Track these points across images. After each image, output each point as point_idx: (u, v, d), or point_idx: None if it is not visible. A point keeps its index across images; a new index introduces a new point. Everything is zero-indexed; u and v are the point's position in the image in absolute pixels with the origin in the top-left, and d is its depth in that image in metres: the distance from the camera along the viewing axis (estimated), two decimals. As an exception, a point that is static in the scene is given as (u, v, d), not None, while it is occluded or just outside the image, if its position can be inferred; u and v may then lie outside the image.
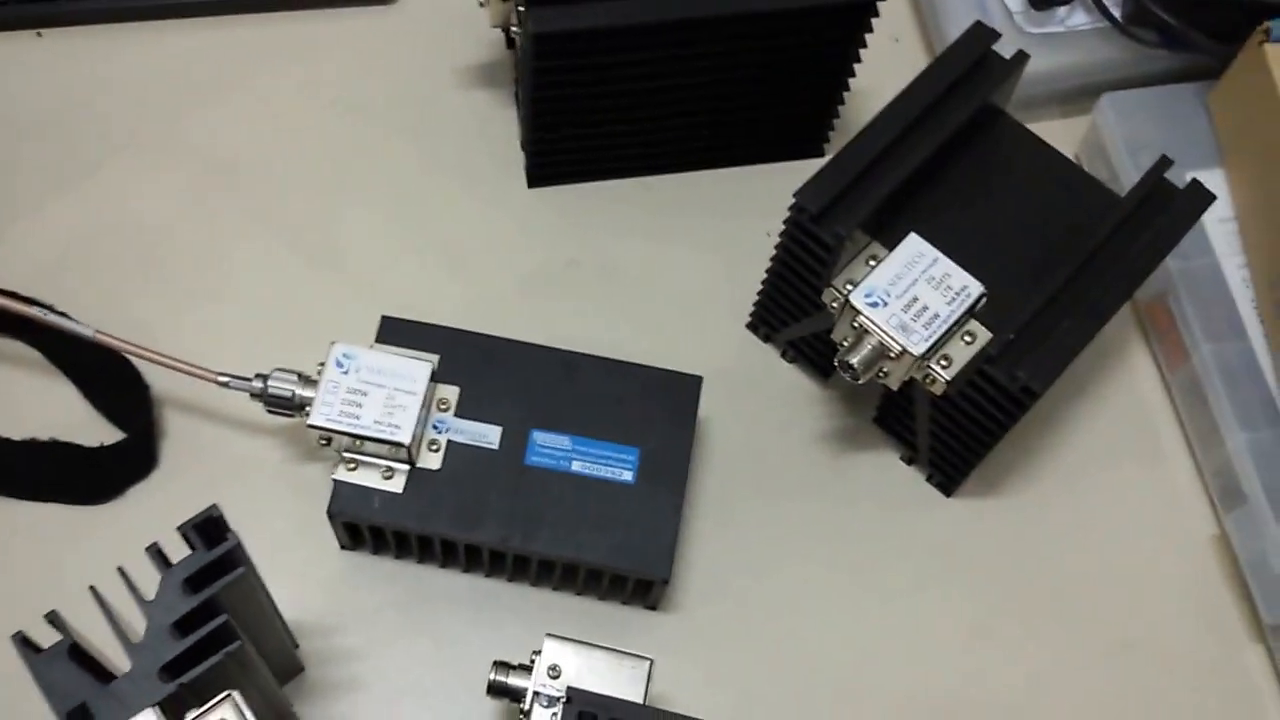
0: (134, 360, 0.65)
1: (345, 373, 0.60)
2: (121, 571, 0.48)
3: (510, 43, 0.73)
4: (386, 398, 0.60)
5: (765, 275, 0.66)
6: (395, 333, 0.64)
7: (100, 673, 0.47)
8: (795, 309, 0.65)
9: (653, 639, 0.63)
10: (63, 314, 0.63)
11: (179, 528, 0.48)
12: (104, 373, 0.65)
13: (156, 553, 0.48)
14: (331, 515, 0.60)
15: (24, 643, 0.47)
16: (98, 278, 0.69)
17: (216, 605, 0.48)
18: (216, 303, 0.70)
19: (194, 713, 0.45)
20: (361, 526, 0.61)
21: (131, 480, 0.65)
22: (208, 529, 0.49)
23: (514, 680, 0.56)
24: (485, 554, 0.62)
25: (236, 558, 0.49)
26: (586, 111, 0.69)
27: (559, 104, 0.67)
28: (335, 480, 0.60)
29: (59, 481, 0.64)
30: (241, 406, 0.63)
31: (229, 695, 0.45)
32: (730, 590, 0.65)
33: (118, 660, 0.47)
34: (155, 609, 0.47)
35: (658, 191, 0.75)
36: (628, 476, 0.62)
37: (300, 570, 0.63)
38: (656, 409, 0.63)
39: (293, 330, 0.68)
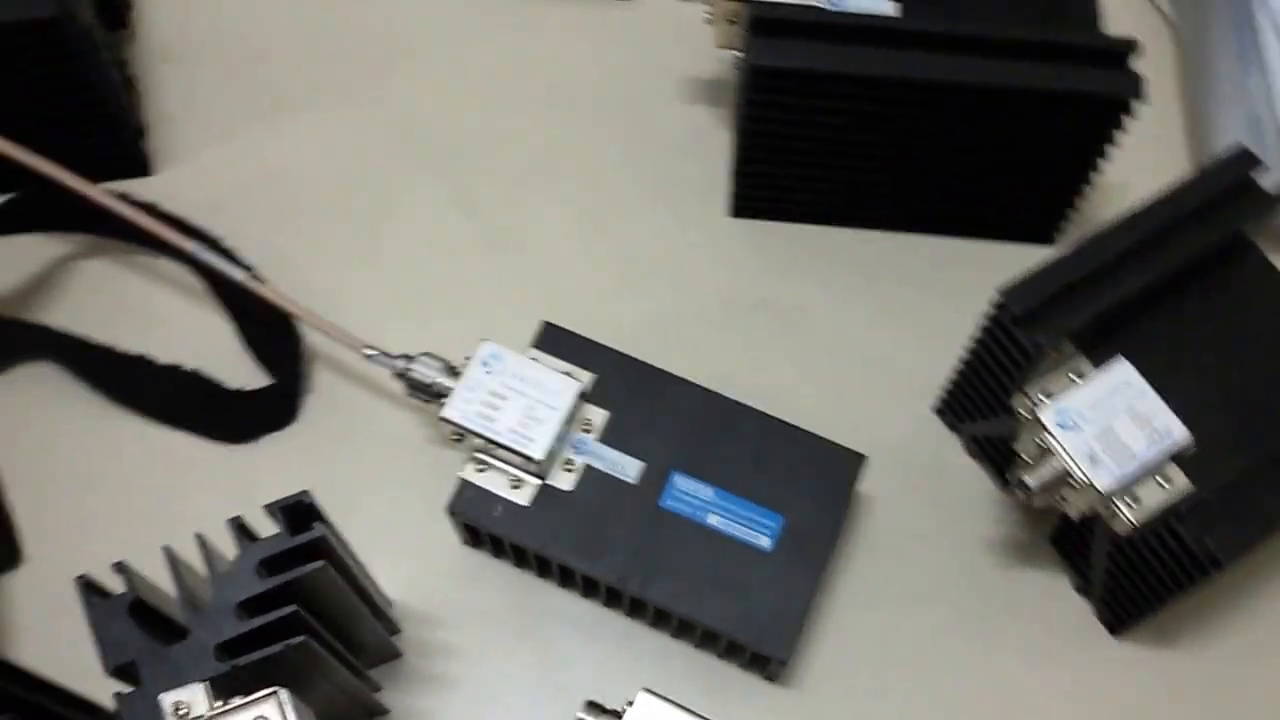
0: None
1: (489, 373, 0.58)
2: (200, 539, 0.46)
3: (735, 66, 0.70)
4: (527, 407, 0.57)
5: (960, 361, 0.61)
6: (555, 342, 0.61)
7: (162, 630, 0.45)
8: (984, 405, 0.60)
9: (761, 711, 0.59)
10: (226, 251, 0.62)
11: (266, 506, 0.47)
12: (260, 315, 0.64)
13: (239, 527, 0.47)
14: (452, 513, 0.58)
15: (88, 587, 0.46)
16: (271, 218, 0.69)
17: (291, 593, 0.45)
18: (380, 269, 0.68)
19: (239, 700, 0.43)
20: (480, 530, 0.59)
21: (267, 429, 0.64)
22: (297, 513, 0.47)
23: (594, 731, 0.53)
24: (603, 587, 0.58)
25: (321, 549, 0.46)
26: (798, 152, 0.65)
27: (770, 139, 0.64)
28: (461, 479, 0.58)
29: (194, 414, 0.64)
30: (389, 378, 0.62)
31: (275, 692, 0.42)
32: (855, 682, 0.60)
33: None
34: (225, 583, 0.46)
35: (865, 247, 0.70)
36: (765, 543, 0.57)
37: (418, 555, 0.61)
38: (811, 479, 0.59)
39: (451, 312, 0.66)
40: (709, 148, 0.72)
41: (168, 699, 0.43)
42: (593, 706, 0.53)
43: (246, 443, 0.64)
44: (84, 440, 0.63)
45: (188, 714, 0.43)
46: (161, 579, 0.47)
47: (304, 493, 0.47)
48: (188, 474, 0.63)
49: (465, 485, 0.58)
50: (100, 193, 0.60)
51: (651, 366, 0.61)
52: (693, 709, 0.52)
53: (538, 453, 0.56)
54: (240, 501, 0.58)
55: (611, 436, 0.59)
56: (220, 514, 0.56)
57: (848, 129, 0.62)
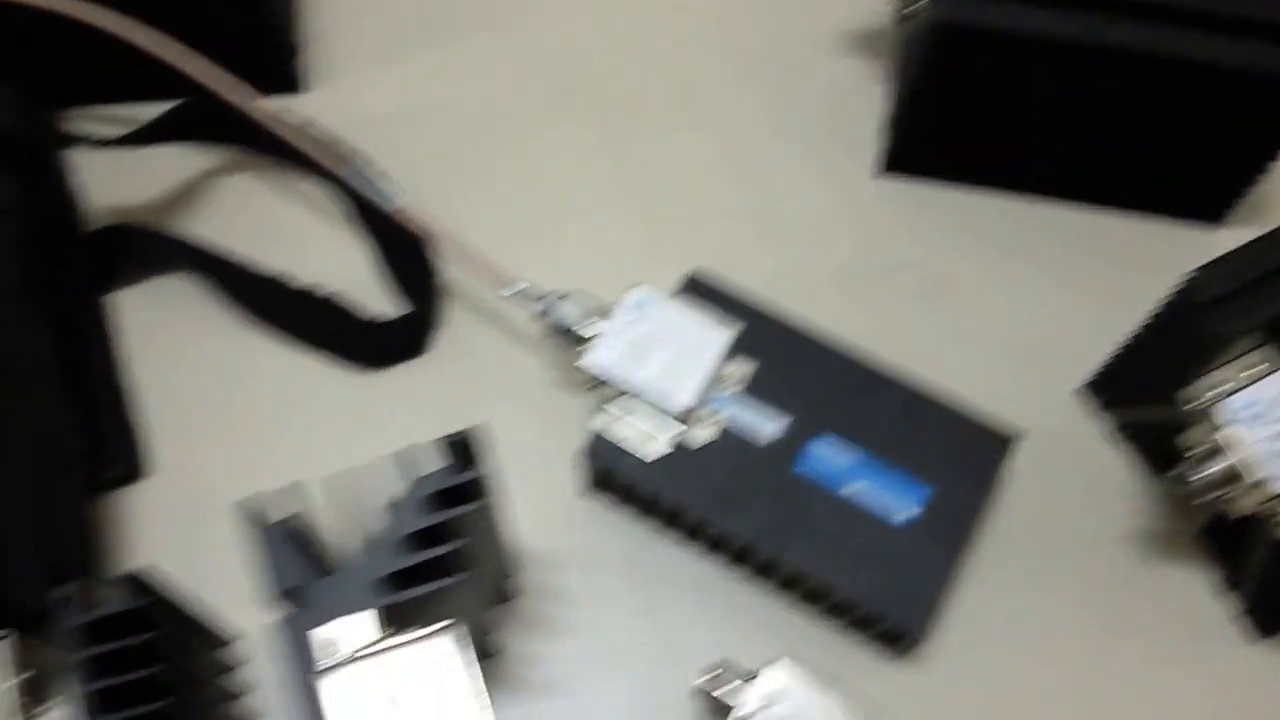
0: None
1: (637, 320, 0.56)
2: (358, 470, 0.45)
3: (903, 18, 0.67)
4: (672, 358, 0.56)
5: (1124, 342, 0.58)
6: (700, 292, 0.59)
7: (315, 560, 0.45)
8: (1146, 391, 0.57)
9: (884, 685, 0.57)
10: (375, 177, 0.61)
11: (438, 440, 0.45)
12: (401, 243, 0.63)
13: (409, 459, 0.46)
14: (587, 458, 0.57)
15: (251, 509, 0.45)
16: (413, 147, 0.67)
17: (453, 528, 0.45)
18: (517, 205, 0.66)
19: (417, 632, 0.42)
20: (612, 478, 0.57)
21: (398, 359, 0.63)
22: (465, 448, 0.46)
23: (723, 693, 0.52)
24: (732, 546, 0.57)
25: (486, 487, 0.45)
26: (971, 112, 0.62)
27: (942, 97, 0.61)
28: (595, 426, 0.56)
29: (327, 337, 0.63)
30: (523, 317, 0.61)
31: (452, 624, 0.42)
32: (983, 664, 0.58)
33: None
34: (395, 515, 0.45)
35: (1020, 214, 0.67)
36: (903, 517, 0.56)
37: (541, 498, 0.60)
38: (956, 456, 0.57)
39: (584, 255, 0.65)
40: (858, 101, 0.70)
41: (333, 627, 0.42)
42: (714, 674, 0.52)
43: (375, 371, 0.63)
44: (215, 355, 0.62)
45: (352, 643, 0.42)
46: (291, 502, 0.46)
47: (476, 427, 0.46)
48: (315, 397, 0.62)
49: (601, 432, 0.56)
50: (261, 108, 0.59)
51: (797, 326, 0.59)
52: (827, 684, 0.51)
53: (681, 405, 0.55)
54: (365, 429, 0.58)
55: (751, 394, 0.57)
56: (345, 439, 0.56)
57: (1030, 93, 0.59)
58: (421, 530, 0.45)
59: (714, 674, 0.52)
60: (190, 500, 0.59)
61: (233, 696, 0.51)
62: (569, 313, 0.57)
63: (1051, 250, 0.66)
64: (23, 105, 0.57)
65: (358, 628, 0.43)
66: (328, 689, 0.41)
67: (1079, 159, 0.64)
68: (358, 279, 0.64)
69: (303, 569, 0.44)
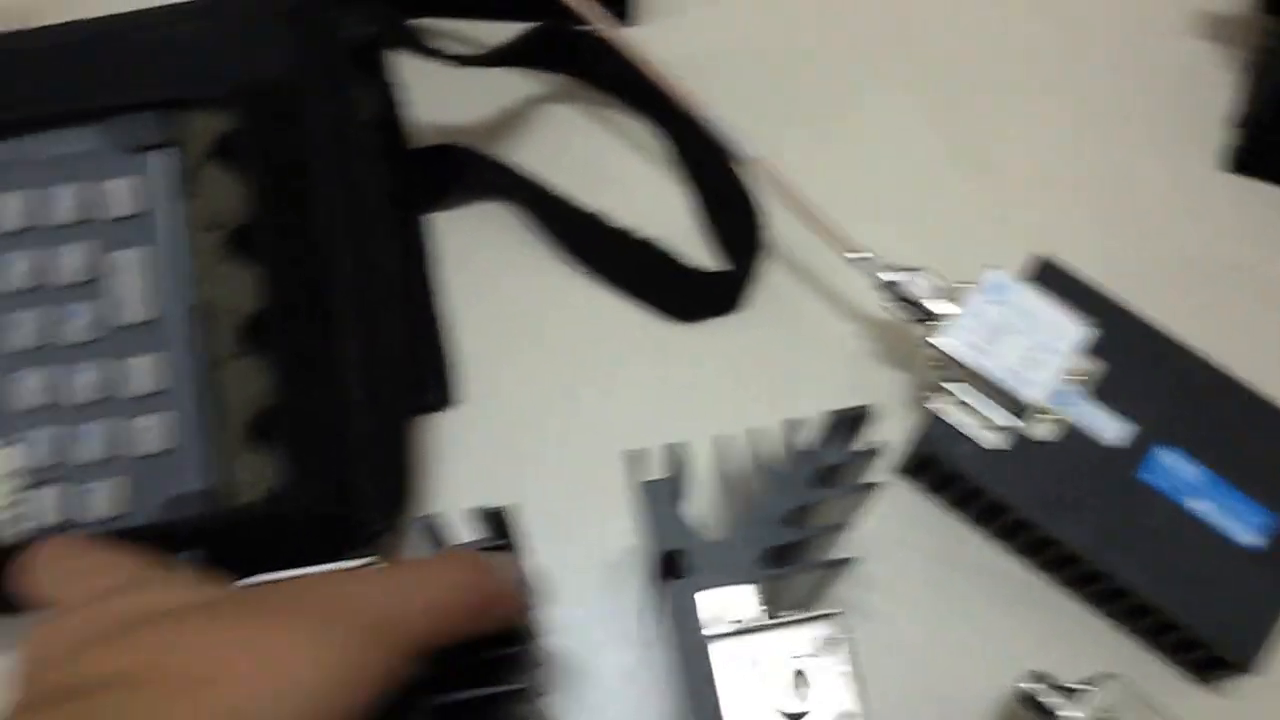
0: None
1: (993, 303, 0.54)
2: (786, 425, 0.43)
3: (1272, 7, 0.63)
4: (1027, 347, 0.53)
5: None
6: (1052, 281, 0.56)
7: (692, 524, 0.43)
8: None
9: (1193, 714, 0.54)
10: (712, 122, 0.58)
11: (831, 413, 0.44)
12: (731, 195, 0.61)
13: (791, 425, 0.44)
14: (910, 441, 0.55)
15: (632, 457, 0.44)
16: (742, 92, 0.64)
17: (837, 506, 0.43)
18: (845, 169, 0.63)
19: (801, 614, 0.40)
20: (936, 465, 0.55)
21: (710, 313, 0.61)
22: (852, 425, 0.44)
23: (1050, 699, 0.49)
24: (1054, 551, 0.55)
25: (868, 464, 0.44)
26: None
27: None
28: (931, 409, 0.54)
29: (640, 281, 0.61)
30: (846, 285, 0.59)
31: (840, 613, 0.40)
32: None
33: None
34: (775, 484, 0.43)
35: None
36: (1250, 540, 0.53)
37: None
38: (1313, 484, 0.53)
39: (914, 229, 0.61)
40: (1207, 88, 0.66)
41: (716, 595, 0.41)
42: (1039, 676, 0.50)
43: (685, 322, 0.61)
44: (527, 287, 0.61)
45: (736, 615, 0.41)
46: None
47: (866, 406, 0.44)
48: (621, 340, 0.60)
49: (939, 414, 0.54)
50: (623, 38, 0.57)
51: (1153, 326, 0.56)
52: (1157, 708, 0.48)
53: (1034, 397, 0.52)
54: (668, 380, 0.57)
55: (1099, 392, 0.55)
56: (653, 386, 0.54)
57: None
58: (803, 506, 0.43)
59: (1036, 680, 0.50)
60: (491, 433, 0.58)
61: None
62: (920, 287, 0.55)
63: None
64: (383, 16, 0.55)
65: (739, 599, 0.41)
66: (718, 656, 0.40)
67: None
68: (677, 227, 0.62)
69: (683, 531, 0.43)
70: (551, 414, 0.58)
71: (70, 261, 0.47)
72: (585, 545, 0.56)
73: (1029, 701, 0.50)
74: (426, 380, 0.57)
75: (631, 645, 0.54)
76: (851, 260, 0.56)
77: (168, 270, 0.48)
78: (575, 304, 0.61)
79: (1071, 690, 0.50)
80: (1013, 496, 0.53)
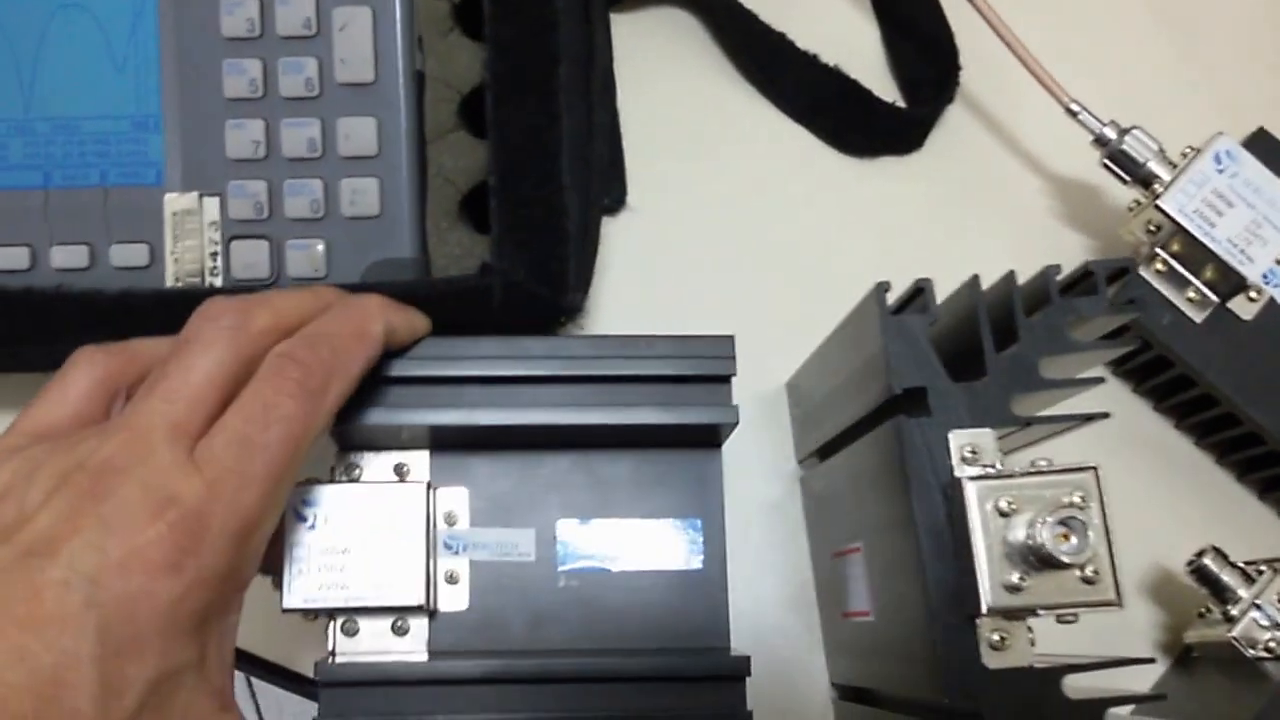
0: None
1: (1220, 172, 0.51)
2: (1048, 269, 0.41)
3: None
4: (1252, 221, 0.51)
5: None
6: (1265, 152, 0.53)
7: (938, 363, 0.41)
8: None
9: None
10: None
11: (1088, 263, 0.42)
12: (927, 34, 0.58)
13: (1050, 271, 0.42)
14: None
15: (880, 289, 0.41)
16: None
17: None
18: (1040, 20, 0.60)
19: (1045, 464, 0.38)
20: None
21: (890, 150, 0.58)
22: (1111, 277, 0.42)
23: (1227, 576, 0.49)
24: (1236, 428, 0.53)
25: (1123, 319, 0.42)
26: None
27: None
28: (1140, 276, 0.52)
29: (820, 110, 0.58)
30: (1036, 136, 0.56)
31: (1093, 467, 0.38)
32: None
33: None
34: (1037, 332, 0.41)
35: None
36: None
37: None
38: None
39: (1108, 85, 0.58)
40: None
41: (959, 437, 0.39)
42: (1221, 556, 0.49)
43: (860, 157, 0.58)
44: (699, 99, 0.58)
45: (980, 461, 0.39)
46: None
47: (1125, 260, 0.42)
48: (793, 166, 0.58)
49: (1145, 281, 0.52)
50: None
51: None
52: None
53: (1253, 273, 0.50)
54: (842, 214, 0.57)
55: (1306, 268, 0.53)
56: (825, 219, 0.54)
57: None
58: (1056, 354, 0.41)
59: (1215, 555, 0.49)
60: (652, 241, 0.56)
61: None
62: (1142, 148, 0.52)
63: None
64: None
65: (981, 443, 0.39)
66: (972, 497, 0.38)
67: None
68: (861, 61, 0.59)
69: (931, 368, 0.40)
70: (713, 230, 0.56)
71: (297, 11, 0.44)
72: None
73: (1203, 576, 0.49)
74: (611, 178, 0.54)
75: (780, 478, 0.53)
76: (1073, 111, 0.53)
77: (394, 34, 0.44)
78: (746, 123, 0.58)
79: (1246, 572, 0.49)
80: (1210, 370, 0.52)
